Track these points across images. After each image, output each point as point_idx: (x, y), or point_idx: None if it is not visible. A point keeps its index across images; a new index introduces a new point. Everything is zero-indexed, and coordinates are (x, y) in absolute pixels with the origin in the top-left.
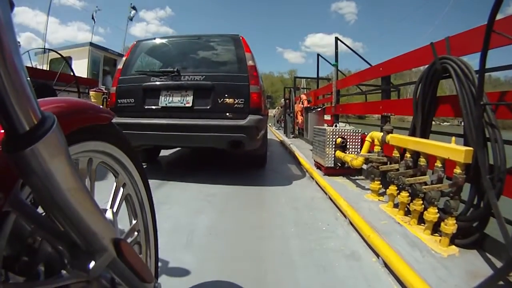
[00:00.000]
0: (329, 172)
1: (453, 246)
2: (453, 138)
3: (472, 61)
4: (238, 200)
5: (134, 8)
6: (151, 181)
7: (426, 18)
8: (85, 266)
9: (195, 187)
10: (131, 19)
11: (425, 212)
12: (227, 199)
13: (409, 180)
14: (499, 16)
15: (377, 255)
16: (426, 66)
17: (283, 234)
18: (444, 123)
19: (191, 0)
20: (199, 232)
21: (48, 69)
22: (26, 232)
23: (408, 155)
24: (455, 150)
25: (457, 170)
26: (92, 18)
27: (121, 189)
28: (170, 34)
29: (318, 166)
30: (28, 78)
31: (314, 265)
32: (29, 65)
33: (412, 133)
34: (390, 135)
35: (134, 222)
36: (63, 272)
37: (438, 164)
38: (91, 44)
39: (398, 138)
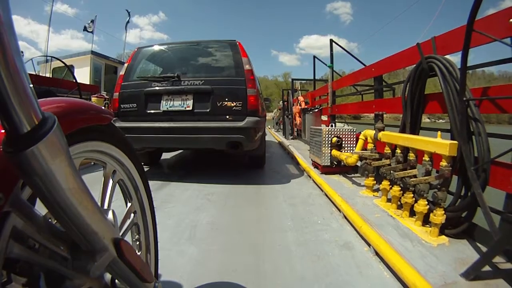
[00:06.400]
0: (326, 170)
1: (443, 236)
2: (439, 133)
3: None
4: (238, 198)
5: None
6: (153, 183)
7: (424, 16)
8: (86, 266)
9: (196, 187)
10: (127, 23)
11: (415, 204)
12: (227, 197)
13: (399, 174)
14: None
15: (369, 244)
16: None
17: (281, 228)
18: (440, 120)
19: (184, 4)
20: (201, 227)
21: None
22: (27, 233)
23: (398, 151)
24: (440, 144)
25: (443, 163)
26: (86, 29)
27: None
28: (165, 39)
29: (316, 165)
30: (31, 85)
31: (309, 254)
32: (32, 73)
33: (402, 130)
34: (382, 132)
35: (132, 217)
36: (64, 272)
37: (426, 158)
38: (92, 52)
39: (389, 135)
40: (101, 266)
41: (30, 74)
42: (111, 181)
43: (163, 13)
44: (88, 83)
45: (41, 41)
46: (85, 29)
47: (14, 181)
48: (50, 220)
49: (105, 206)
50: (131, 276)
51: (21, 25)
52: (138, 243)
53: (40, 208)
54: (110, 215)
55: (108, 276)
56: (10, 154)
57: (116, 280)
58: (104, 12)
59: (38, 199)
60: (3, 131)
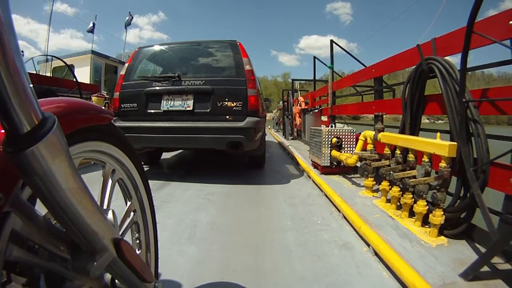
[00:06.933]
0: (326, 171)
1: (442, 237)
2: (438, 134)
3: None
4: (238, 198)
5: (130, 15)
6: (154, 182)
7: (424, 16)
8: (86, 266)
9: (196, 187)
10: (128, 24)
11: (414, 205)
12: (227, 197)
13: (398, 174)
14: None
15: (368, 244)
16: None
17: (281, 228)
18: (439, 121)
19: (184, 4)
20: (201, 227)
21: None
22: (27, 234)
23: (398, 151)
24: (440, 145)
25: (442, 164)
26: (91, 31)
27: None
28: (165, 39)
29: (315, 165)
30: (31, 85)
31: (309, 254)
32: (33, 72)
33: (402, 131)
34: (381, 133)
35: (132, 215)
36: (64, 273)
37: (425, 159)
38: (93, 52)
39: (388, 136)
40: (101, 266)
41: (30, 74)
42: (110, 181)
43: (162, 13)
44: (88, 82)
45: (40, 40)
46: (91, 31)
47: (14, 181)
48: (50, 220)
49: (105, 206)
50: (131, 276)
51: (21, 24)
52: (138, 241)
53: (40, 208)
54: (110, 215)
55: (108, 276)
56: (10, 154)
57: (116, 280)
58: (104, 12)
59: (38, 199)
60: (3, 131)
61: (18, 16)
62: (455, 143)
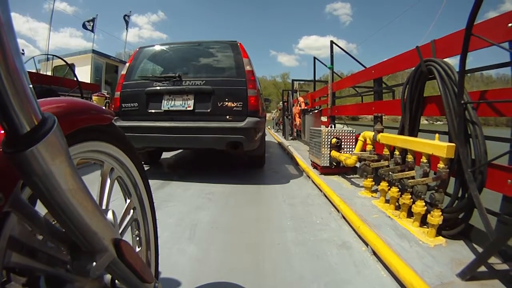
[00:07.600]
0: (325, 171)
1: (440, 237)
2: (437, 135)
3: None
4: (238, 198)
5: (127, 16)
6: (154, 182)
7: (425, 16)
8: (85, 266)
9: (196, 186)
10: (126, 22)
11: (413, 205)
12: (227, 197)
13: (397, 175)
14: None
15: (366, 244)
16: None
17: (280, 227)
18: (437, 122)
19: (183, 4)
20: (201, 226)
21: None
22: (26, 235)
23: (397, 152)
24: (438, 146)
25: (441, 165)
26: (85, 26)
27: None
28: (164, 39)
29: (315, 166)
30: (31, 85)
31: (308, 253)
32: (33, 71)
33: (401, 132)
34: (381, 134)
35: (132, 213)
36: (64, 275)
37: (424, 159)
38: (93, 51)
39: (387, 137)
40: (101, 266)
41: (31, 73)
42: (109, 180)
43: (162, 12)
44: (89, 82)
45: (39, 39)
46: (84, 26)
47: (14, 181)
48: (49, 220)
49: (104, 205)
50: (131, 276)
51: (20, 23)
52: (138, 239)
53: (40, 209)
54: (109, 215)
55: (108, 277)
56: (10, 155)
57: (116, 281)
58: (103, 11)
59: (38, 199)
60: (3, 131)
61: (17, 14)
62: (453, 144)
